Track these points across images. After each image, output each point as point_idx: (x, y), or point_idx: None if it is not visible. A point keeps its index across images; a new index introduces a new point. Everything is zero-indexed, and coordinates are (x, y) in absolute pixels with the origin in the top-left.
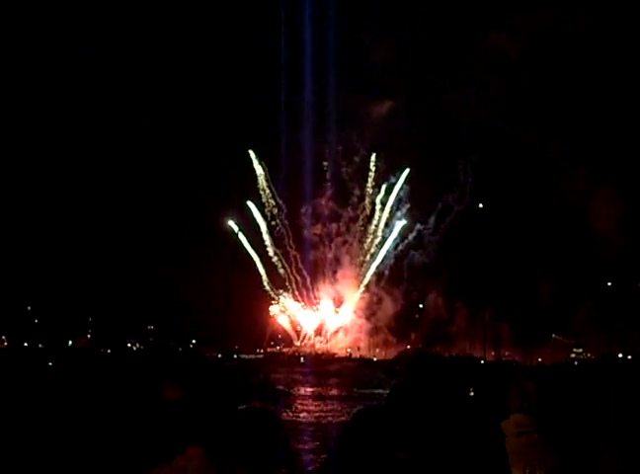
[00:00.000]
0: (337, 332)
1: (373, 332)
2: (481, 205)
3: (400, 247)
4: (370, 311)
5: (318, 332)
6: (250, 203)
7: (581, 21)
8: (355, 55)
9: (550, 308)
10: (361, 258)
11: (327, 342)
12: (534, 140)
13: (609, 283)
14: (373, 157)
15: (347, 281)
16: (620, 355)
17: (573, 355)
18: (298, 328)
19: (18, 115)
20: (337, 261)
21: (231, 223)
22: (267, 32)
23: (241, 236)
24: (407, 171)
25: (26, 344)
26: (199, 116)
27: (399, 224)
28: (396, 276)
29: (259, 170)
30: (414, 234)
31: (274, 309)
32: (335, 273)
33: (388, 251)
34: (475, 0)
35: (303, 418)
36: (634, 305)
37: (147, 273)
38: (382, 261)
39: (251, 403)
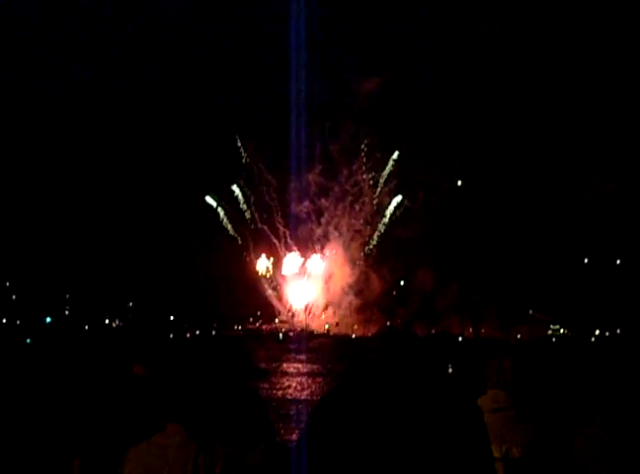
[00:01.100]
0: (326, 308)
1: (362, 309)
2: (460, 183)
3: (388, 223)
4: (359, 288)
5: (307, 308)
6: (234, 186)
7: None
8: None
9: (529, 284)
10: (350, 234)
11: (314, 318)
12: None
13: (586, 260)
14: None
15: (335, 258)
16: (598, 332)
17: (550, 332)
18: (287, 306)
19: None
20: (325, 237)
21: (209, 199)
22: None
23: (221, 211)
24: (396, 153)
25: (4, 320)
26: (182, 96)
27: (395, 200)
28: (384, 253)
29: (245, 149)
30: (401, 210)
31: (260, 266)
32: (323, 248)
33: (380, 227)
34: None
35: (274, 393)
36: (612, 282)
37: (127, 248)
38: (371, 237)
39: (230, 380)
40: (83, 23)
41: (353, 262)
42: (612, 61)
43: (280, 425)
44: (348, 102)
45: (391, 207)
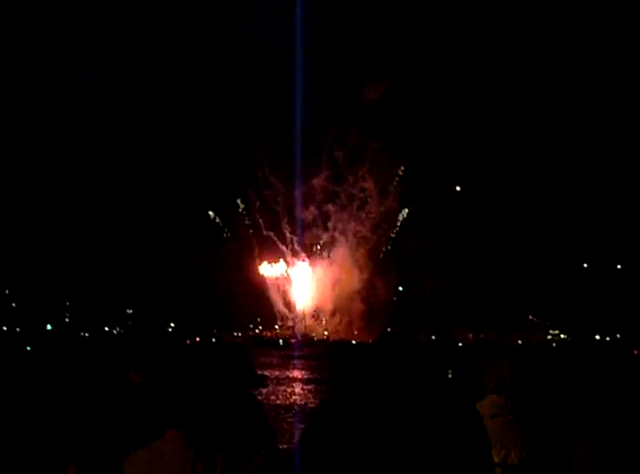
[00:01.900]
0: (333, 314)
1: (367, 315)
2: (459, 188)
3: (395, 230)
4: (365, 294)
5: (310, 314)
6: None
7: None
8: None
9: (528, 289)
10: (356, 240)
11: (315, 323)
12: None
13: (585, 265)
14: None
15: (341, 264)
16: (598, 337)
17: (549, 337)
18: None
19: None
20: (332, 242)
21: (211, 214)
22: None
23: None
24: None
25: (4, 328)
26: (192, 103)
27: (402, 213)
28: (391, 259)
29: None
30: (407, 218)
31: (267, 271)
32: (329, 254)
33: (385, 233)
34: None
35: (273, 400)
36: (612, 287)
37: (127, 255)
38: (377, 244)
39: (229, 387)
40: (88, 32)
41: (359, 268)
42: (612, 69)
43: (279, 432)
44: (354, 108)
45: (399, 216)
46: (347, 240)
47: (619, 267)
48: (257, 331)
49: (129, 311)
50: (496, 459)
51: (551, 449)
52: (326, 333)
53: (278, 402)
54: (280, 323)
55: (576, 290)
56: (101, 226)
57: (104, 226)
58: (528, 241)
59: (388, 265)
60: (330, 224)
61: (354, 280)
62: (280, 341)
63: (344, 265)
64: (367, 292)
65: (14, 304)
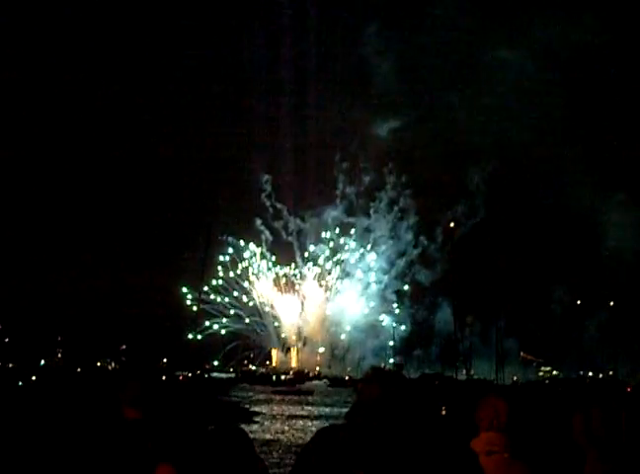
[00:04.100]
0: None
1: (378, 351)
2: (452, 225)
3: (404, 263)
4: (374, 330)
5: (330, 352)
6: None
7: (590, 31)
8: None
9: (520, 326)
10: (363, 277)
11: (309, 359)
12: (545, 152)
13: (579, 302)
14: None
15: (350, 300)
16: (590, 374)
17: (541, 374)
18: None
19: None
20: (344, 275)
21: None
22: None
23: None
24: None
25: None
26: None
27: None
28: (404, 293)
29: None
30: (418, 250)
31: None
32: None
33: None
34: (483, 12)
35: (269, 436)
36: (604, 324)
37: (119, 290)
38: (387, 278)
39: (220, 422)
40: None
41: (367, 303)
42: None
43: (270, 467)
44: (364, 141)
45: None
46: (357, 273)
47: (612, 304)
48: (250, 366)
49: (123, 347)
50: None
51: None
52: (318, 369)
53: (267, 437)
54: (273, 357)
55: (568, 327)
56: (94, 262)
57: (98, 262)
58: (520, 277)
59: (401, 297)
60: (340, 255)
61: (362, 316)
62: (274, 377)
63: (351, 301)
64: (374, 329)
65: (7, 339)
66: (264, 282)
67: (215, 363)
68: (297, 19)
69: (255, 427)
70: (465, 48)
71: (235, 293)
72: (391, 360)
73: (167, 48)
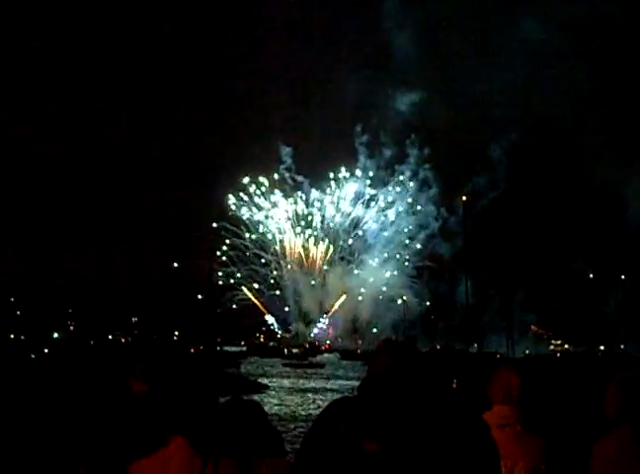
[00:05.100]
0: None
1: (400, 325)
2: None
3: (425, 236)
4: (394, 304)
5: (353, 329)
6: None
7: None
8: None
9: (531, 300)
10: (388, 248)
11: (322, 333)
12: (567, 124)
13: (591, 275)
14: None
15: (371, 274)
16: (602, 348)
17: (552, 348)
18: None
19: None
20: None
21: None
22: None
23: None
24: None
25: (12, 336)
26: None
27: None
28: (424, 267)
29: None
30: (439, 223)
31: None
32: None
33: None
34: None
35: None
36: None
37: (131, 265)
38: (407, 251)
39: (233, 394)
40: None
41: (387, 277)
42: None
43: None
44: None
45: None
46: (382, 246)
47: (623, 277)
48: (262, 340)
49: (134, 319)
50: (503, 470)
51: (561, 460)
52: (328, 342)
53: (281, 411)
54: (284, 332)
55: (580, 300)
56: (106, 234)
57: (109, 234)
58: (532, 250)
59: (420, 271)
60: (359, 229)
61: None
62: (285, 350)
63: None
64: (394, 303)
65: (18, 312)
66: (287, 249)
67: (228, 337)
68: None
69: (268, 399)
70: (487, 20)
71: (255, 266)
72: (406, 334)
73: (188, 29)
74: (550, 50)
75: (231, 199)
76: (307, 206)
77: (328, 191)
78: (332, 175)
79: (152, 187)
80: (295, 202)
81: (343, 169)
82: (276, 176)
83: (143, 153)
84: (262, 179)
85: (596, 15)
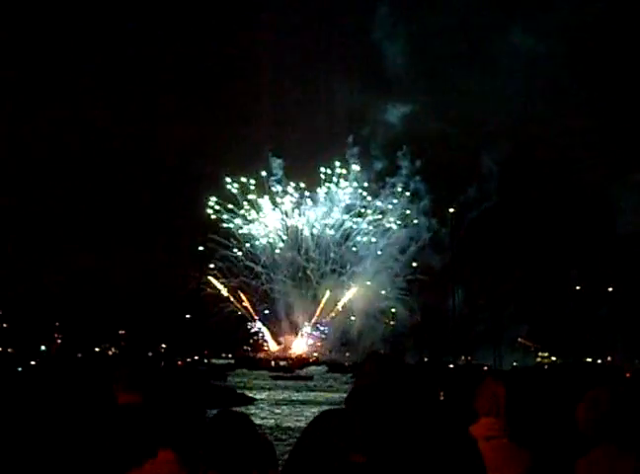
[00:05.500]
0: (359, 336)
1: (390, 338)
2: (452, 210)
3: (416, 248)
4: (384, 316)
5: (341, 342)
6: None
7: (602, 14)
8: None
9: (518, 312)
10: (377, 263)
11: (309, 345)
12: (559, 134)
13: (578, 287)
14: None
15: (362, 286)
16: (589, 360)
17: (539, 360)
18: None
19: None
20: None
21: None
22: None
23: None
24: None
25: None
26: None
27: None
28: (415, 280)
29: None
30: (429, 234)
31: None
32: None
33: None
34: None
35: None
36: (603, 309)
37: (119, 276)
38: (398, 263)
39: (221, 407)
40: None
41: (378, 289)
42: None
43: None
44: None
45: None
46: (372, 259)
47: (610, 289)
48: (249, 352)
49: (122, 332)
50: None
51: (548, 472)
52: (315, 355)
53: (269, 423)
54: (271, 344)
55: (566, 312)
56: (95, 247)
57: (98, 247)
58: (519, 262)
59: (411, 283)
60: (350, 242)
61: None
62: (272, 362)
63: (361, 287)
64: (384, 315)
65: (5, 325)
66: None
67: (215, 349)
68: (308, 1)
69: (256, 411)
70: (477, 31)
71: (245, 278)
72: (394, 347)
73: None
74: (542, 62)
75: (217, 208)
76: (298, 217)
77: (319, 202)
78: (323, 186)
79: (140, 198)
80: (286, 214)
81: (334, 180)
82: (265, 187)
83: (133, 164)
84: (251, 196)
85: (586, 27)
